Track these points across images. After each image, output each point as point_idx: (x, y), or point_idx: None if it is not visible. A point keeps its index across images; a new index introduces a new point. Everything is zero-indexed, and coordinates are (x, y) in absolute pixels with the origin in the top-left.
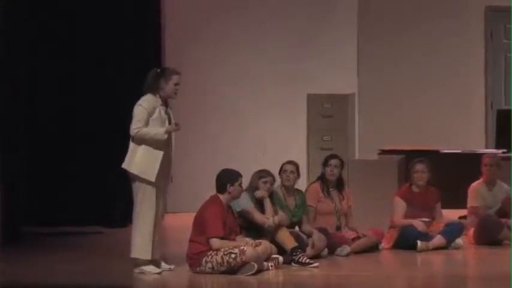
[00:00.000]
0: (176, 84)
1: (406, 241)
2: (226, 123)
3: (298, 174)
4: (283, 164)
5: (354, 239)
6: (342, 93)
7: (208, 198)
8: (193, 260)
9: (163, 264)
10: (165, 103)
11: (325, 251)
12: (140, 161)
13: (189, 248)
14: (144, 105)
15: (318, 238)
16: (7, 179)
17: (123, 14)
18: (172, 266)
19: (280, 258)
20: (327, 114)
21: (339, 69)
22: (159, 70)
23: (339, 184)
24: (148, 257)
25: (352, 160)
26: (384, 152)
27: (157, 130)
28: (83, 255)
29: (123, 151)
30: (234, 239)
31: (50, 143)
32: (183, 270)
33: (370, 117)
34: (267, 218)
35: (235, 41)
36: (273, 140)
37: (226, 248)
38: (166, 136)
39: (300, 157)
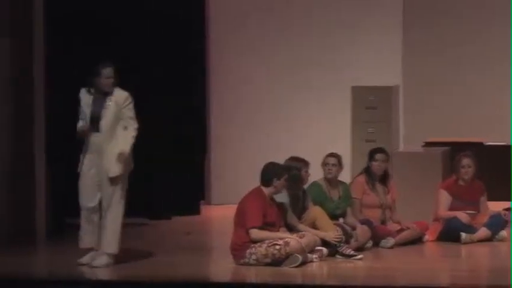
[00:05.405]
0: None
1: (450, 233)
2: (270, 116)
3: (341, 166)
4: (325, 157)
5: (398, 231)
6: (387, 85)
7: (251, 190)
8: (237, 251)
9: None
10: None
11: (370, 243)
12: None
13: (232, 239)
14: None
15: (361, 231)
16: (52, 170)
17: (167, 6)
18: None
19: (325, 250)
20: (371, 106)
21: (384, 61)
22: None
23: (384, 177)
24: (81, 246)
25: (396, 152)
26: (428, 144)
27: (77, 128)
28: (127, 247)
29: (167, 143)
30: (277, 231)
31: None
32: (227, 261)
33: (415, 109)
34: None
35: (279, 33)
36: (317, 132)
37: (271, 240)
38: (80, 133)
39: (344, 149)
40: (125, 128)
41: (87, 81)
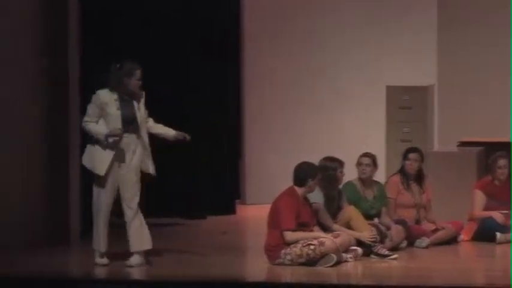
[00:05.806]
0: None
1: (485, 233)
2: (304, 115)
3: (376, 166)
4: (360, 157)
5: (433, 231)
6: (421, 84)
7: (284, 190)
8: (272, 252)
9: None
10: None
11: (404, 242)
12: (91, 155)
13: (267, 240)
14: (92, 100)
15: (396, 231)
16: (86, 169)
17: (202, 6)
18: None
19: (359, 250)
20: (406, 106)
21: (418, 61)
22: (118, 65)
23: (419, 177)
24: (99, 248)
25: (431, 152)
26: (463, 143)
27: (99, 130)
28: (162, 247)
29: (202, 143)
30: (310, 231)
31: None
32: (261, 261)
33: (450, 108)
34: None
35: (313, 34)
36: (351, 132)
37: (305, 240)
38: (103, 138)
39: (379, 149)
40: (147, 122)
41: (112, 81)
